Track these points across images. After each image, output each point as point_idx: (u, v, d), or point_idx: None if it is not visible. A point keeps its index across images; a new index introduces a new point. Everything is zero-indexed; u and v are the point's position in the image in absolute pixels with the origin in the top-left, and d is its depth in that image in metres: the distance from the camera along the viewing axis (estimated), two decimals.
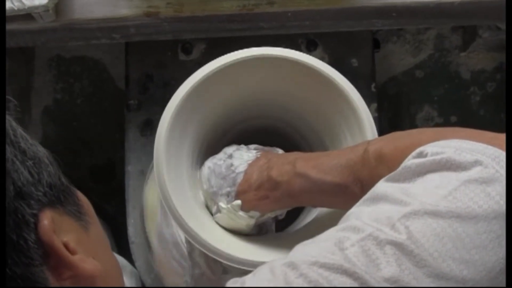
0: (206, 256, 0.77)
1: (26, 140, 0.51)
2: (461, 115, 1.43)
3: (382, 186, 0.52)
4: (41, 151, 0.53)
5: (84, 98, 1.43)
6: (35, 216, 0.49)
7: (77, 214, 0.54)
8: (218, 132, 0.83)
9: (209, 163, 0.78)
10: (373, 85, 1.15)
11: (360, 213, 0.50)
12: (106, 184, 1.43)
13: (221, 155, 0.78)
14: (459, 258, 0.45)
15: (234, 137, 0.85)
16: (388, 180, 0.53)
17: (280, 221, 0.81)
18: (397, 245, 0.46)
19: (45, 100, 1.42)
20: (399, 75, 1.42)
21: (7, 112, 0.51)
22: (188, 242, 0.79)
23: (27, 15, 0.93)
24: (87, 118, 1.43)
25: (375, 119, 0.77)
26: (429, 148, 0.52)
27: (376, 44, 1.24)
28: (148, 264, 1.06)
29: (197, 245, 0.72)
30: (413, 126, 1.43)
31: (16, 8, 0.90)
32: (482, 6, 1.01)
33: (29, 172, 0.50)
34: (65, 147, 1.43)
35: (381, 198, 0.51)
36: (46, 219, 0.49)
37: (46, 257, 0.49)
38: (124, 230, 1.12)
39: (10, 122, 0.51)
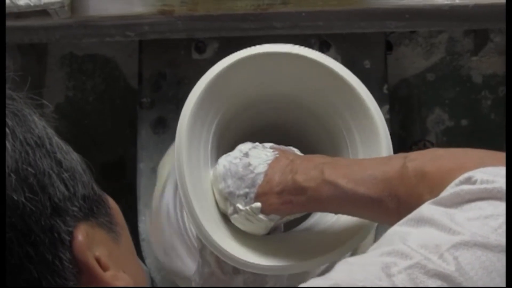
0: (216, 255, 0.77)
1: (61, 149, 0.50)
2: (472, 118, 1.43)
3: (428, 209, 0.51)
4: (75, 159, 0.51)
5: (96, 96, 1.44)
6: (70, 233, 0.47)
7: (109, 225, 0.53)
8: (224, 125, 0.82)
9: (224, 161, 0.74)
10: (385, 87, 1.16)
11: (406, 236, 0.49)
12: (116, 182, 1.43)
13: (236, 153, 0.74)
14: None
15: (241, 131, 0.83)
16: (434, 204, 0.51)
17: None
18: (445, 276, 0.45)
19: (57, 97, 1.43)
20: (410, 78, 1.43)
21: (43, 118, 0.49)
22: (199, 239, 0.78)
23: (43, 11, 0.94)
24: (98, 116, 1.44)
25: (386, 121, 0.76)
26: (478, 174, 0.51)
27: (389, 46, 1.25)
28: (158, 261, 1.06)
29: (209, 246, 0.71)
30: (423, 128, 1.43)
31: (32, 4, 0.91)
32: (495, 9, 1.00)
33: (65, 186, 0.48)
34: (76, 145, 1.43)
35: (428, 222, 0.49)
36: (81, 234, 0.48)
37: (79, 274, 0.48)
38: (135, 227, 1.12)
39: (46, 129, 0.49)
